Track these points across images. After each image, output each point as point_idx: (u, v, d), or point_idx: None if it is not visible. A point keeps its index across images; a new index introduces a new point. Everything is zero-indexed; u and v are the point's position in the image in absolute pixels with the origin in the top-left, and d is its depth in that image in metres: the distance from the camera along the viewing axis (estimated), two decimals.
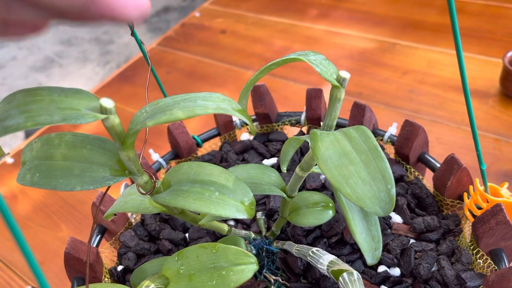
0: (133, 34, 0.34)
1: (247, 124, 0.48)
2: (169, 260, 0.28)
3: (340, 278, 0.27)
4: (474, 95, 0.67)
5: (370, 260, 0.26)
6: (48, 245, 0.61)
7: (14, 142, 1.41)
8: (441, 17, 0.85)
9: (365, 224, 0.27)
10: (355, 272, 0.27)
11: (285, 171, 0.34)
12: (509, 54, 0.63)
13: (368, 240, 0.26)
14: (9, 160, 0.75)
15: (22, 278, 0.57)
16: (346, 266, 0.28)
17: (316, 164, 0.31)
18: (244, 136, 0.48)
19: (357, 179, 0.24)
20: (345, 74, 0.26)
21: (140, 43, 0.35)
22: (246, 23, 0.97)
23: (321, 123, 0.45)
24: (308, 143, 0.45)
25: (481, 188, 0.33)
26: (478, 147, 0.29)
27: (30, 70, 1.74)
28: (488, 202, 0.33)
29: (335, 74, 0.26)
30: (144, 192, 0.28)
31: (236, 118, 0.47)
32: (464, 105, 0.66)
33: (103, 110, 0.23)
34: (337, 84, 0.26)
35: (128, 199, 0.33)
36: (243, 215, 0.27)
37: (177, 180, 0.28)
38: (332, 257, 0.30)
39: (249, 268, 0.26)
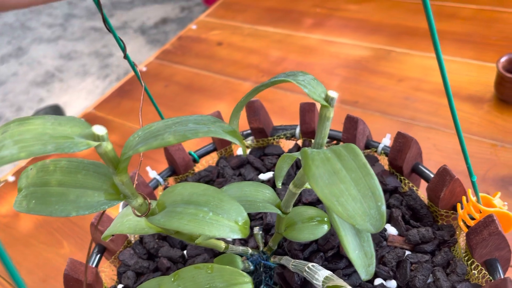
0: (125, 57, 0.35)
1: (243, 138, 0.48)
2: (165, 281, 0.28)
3: None
4: (470, 101, 0.67)
5: (364, 276, 0.27)
6: (51, 263, 0.61)
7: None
8: (435, 23, 0.85)
9: (357, 241, 0.27)
10: None
11: (280, 187, 0.34)
12: (502, 59, 0.63)
13: (361, 257, 0.27)
14: (10, 178, 0.75)
15: None
16: (341, 282, 0.29)
17: None
18: (241, 150, 0.48)
19: (348, 197, 0.25)
20: (333, 94, 0.26)
21: (133, 65, 0.36)
22: (242, 34, 0.98)
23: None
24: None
25: (474, 198, 0.33)
26: (468, 159, 0.29)
27: (31, 85, 1.76)
28: (481, 212, 0.33)
29: (324, 93, 0.27)
30: (140, 214, 0.29)
31: None
32: (460, 110, 0.66)
33: (95, 138, 0.24)
34: (325, 103, 0.26)
35: (125, 220, 0.33)
36: (237, 235, 0.27)
37: (172, 201, 0.29)
38: (327, 272, 0.30)
39: (245, 287, 0.26)
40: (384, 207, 0.24)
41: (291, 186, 0.31)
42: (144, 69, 0.94)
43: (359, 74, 0.78)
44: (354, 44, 0.86)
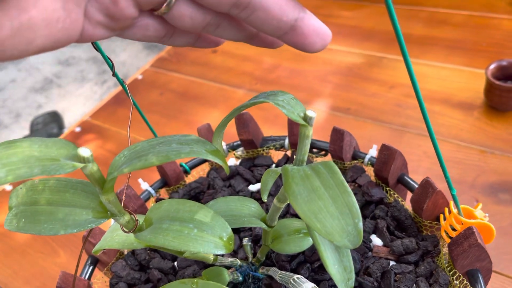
0: (114, 74, 0.36)
1: (233, 149, 0.49)
2: None
3: None
4: (460, 107, 0.68)
5: None
6: (47, 271, 0.62)
7: None
8: (427, 29, 0.87)
9: (337, 256, 0.28)
10: None
11: (265, 200, 0.35)
12: (491, 67, 0.64)
13: (340, 271, 0.27)
14: (8, 187, 0.76)
15: None
16: None
17: None
18: (231, 161, 0.49)
19: (326, 213, 0.25)
20: (311, 114, 0.27)
21: (122, 82, 0.37)
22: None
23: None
24: None
25: (455, 210, 0.34)
26: (446, 173, 0.30)
27: (30, 92, 1.77)
28: (462, 224, 0.34)
29: (302, 112, 0.28)
30: (127, 231, 0.30)
31: (223, 144, 0.48)
32: (450, 117, 0.67)
33: (81, 159, 0.25)
34: (304, 123, 0.27)
35: (115, 234, 0.34)
36: (221, 251, 0.28)
37: (158, 217, 0.30)
38: (311, 285, 0.31)
39: None
40: (361, 224, 0.25)
41: (275, 201, 0.32)
42: (139, 77, 0.95)
43: (351, 81, 0.79)
44: (347, 51, 0.87)
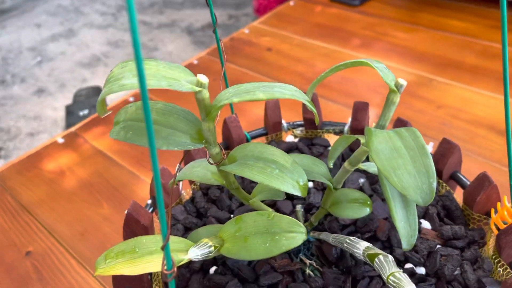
0: (214, 31, 0.39)
1: (293, 128, 0.52)
2: (227, 224, 0.32)
3: (376, 260, 0.31)
4: (505, 135, 0.70)
5: (405, 245, 0.30)
6: (90, 219, 0.65)
7: (55, 130, 1.49)
8: (479, 60, 0.89)
9: (404, 213, 0.30)
10: (389, 256, 0.31)
11: (331, 167, 0.38)
12: None
13: (406, 227, 0.30)
14: (60, 140, 0.81)
15: (64, 247, 0.62)
16: (380, 252, 0.32)
17: (363, 161, 0.35)
18: (289, 138, 0.52)
19: (404, 170, 0.28)
20: (402, 82, 0.30)
21: (218, 39, 0.40)
22: (291, 43, 1.03)
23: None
24: (353, 146, 0.49)
25: (509, 205, 0.36)
26: (511, 162, 0.33)
27: (77, 66, 1.84)
28: None
29: (394, 80, 0.31)
30: (213, 162, 0.33)
31: (283, 121, 0.51)
32: (494, 142, 0.69)
33: (198, 84, 0.28)
34: (394, 88, 0.30)
35: (193, 170, 0.37)
36: (297, 192, 0.31)
37: (243, 155, 0.33)
38: (367, 243, 0.34)
39: (299, 236, 0.30)
40: (435, 184, 0.28)
41: (346, 163, 0.35)
42: (195, 62, 0.99)
43: (400, 96, 0.81)
44: (398, 68, 0.89)
